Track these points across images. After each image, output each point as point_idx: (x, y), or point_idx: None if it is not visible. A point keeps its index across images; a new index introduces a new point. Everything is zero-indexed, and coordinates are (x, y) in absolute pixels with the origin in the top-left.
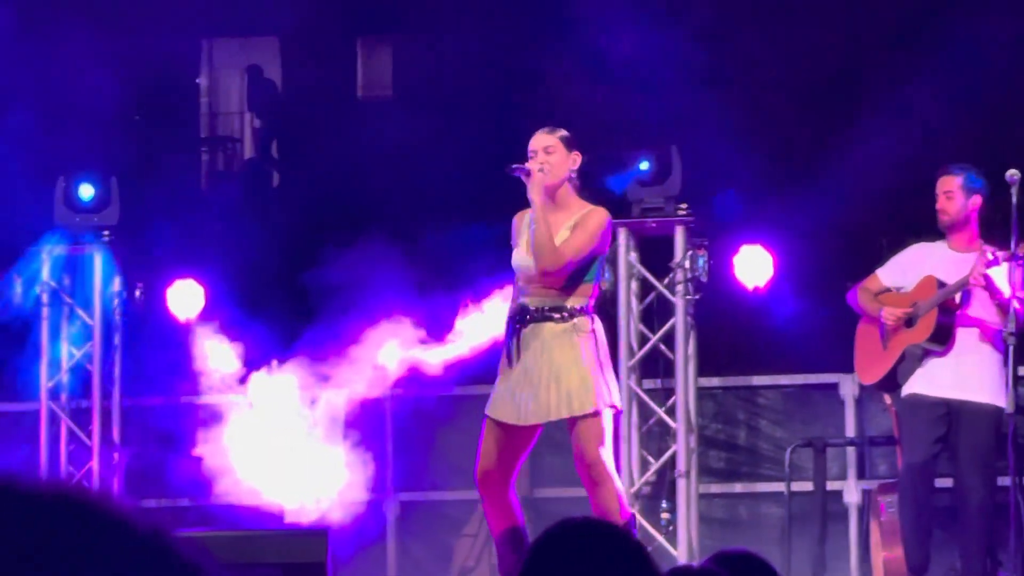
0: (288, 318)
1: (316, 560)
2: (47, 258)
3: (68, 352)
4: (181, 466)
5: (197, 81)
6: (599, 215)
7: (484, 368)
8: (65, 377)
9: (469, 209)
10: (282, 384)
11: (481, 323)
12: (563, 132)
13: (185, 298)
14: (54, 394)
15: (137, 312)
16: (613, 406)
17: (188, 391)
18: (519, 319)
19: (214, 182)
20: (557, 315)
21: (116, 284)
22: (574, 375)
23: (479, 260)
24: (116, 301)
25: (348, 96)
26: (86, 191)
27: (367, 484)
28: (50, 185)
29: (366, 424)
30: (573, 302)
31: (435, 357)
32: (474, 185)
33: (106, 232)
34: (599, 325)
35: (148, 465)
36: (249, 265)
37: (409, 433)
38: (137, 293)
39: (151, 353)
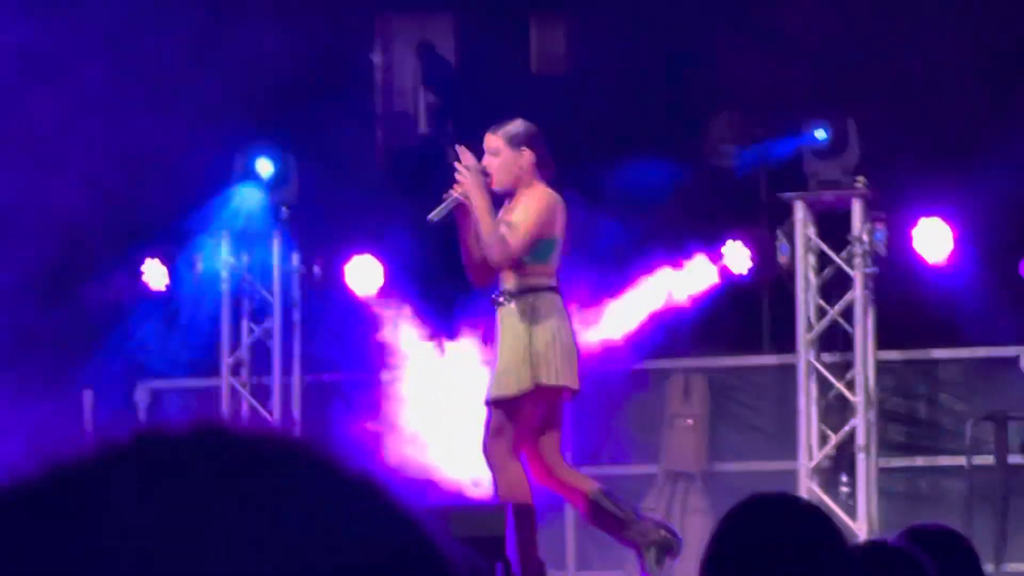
0: (465, 292)
1: (495, 535)
2: (226, 236)
3: (248, 329)
4: (361, 441)
5: (371, 57)
6: (535, 197)
7: (663, 342)
8: (246, 354)
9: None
10: (460, 358)
11: (639, 301)
12: (510, 129)
13: (363, 274)
14: (235, 370)
15: (316, 288)
16: (540, 386)
17: (367, 366)
18: (494, 304)
19: (389, 158)
20: (501, 299)
21: (295, 261)
22: (513, 355)
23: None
24: (295, 278)
25: (522, 72)
26: (265, 168)
27: None
28: (229, 163)
29: None
30: (517, 283)
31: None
32: (645, 162)
33: (285, 209)
34: (545, 304)
35: (327, 441)
36: (426, 240)
37: (587, 407)
38: (316, 269)
39: (330, 329)
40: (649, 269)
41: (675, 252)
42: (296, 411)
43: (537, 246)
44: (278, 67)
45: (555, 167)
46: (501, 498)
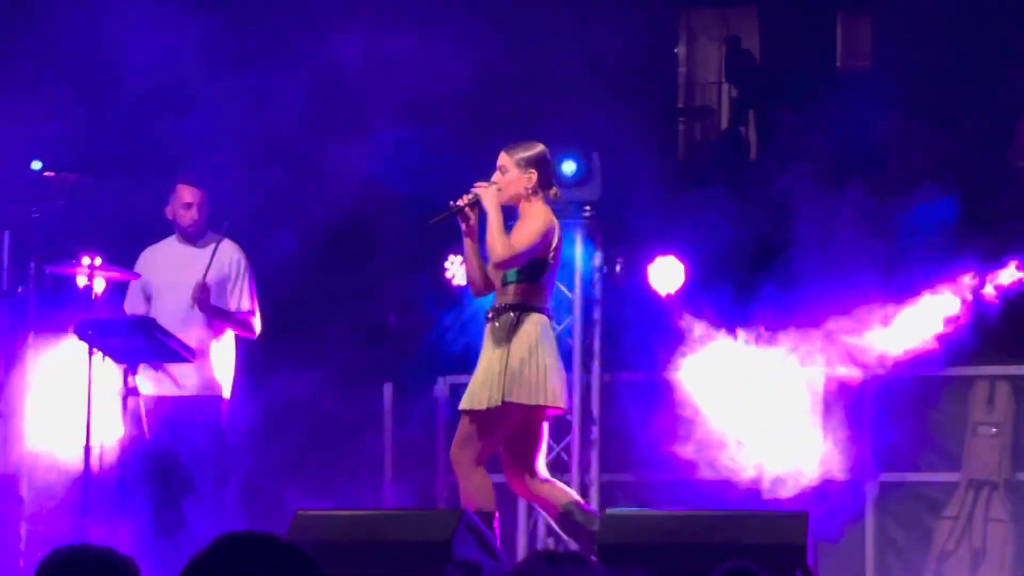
0: (768, 294)
1: (795, 542)
2: None
3: None
4: (658, 441)
5: (675, 51)
6: (532, 220)
7: (968, 349)
8: None
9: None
10: (759, 357)
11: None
12: (523, 152)
13: (666, 273)
14: None
15: (617, 286)
16: (509, 403)
17: (666, 365)
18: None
19: (691, 153)
20: (489, 314)
21: (597, 259)
22: (489, 369)
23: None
24: (596, 276)
25: (826, 67)
26: (568, 167)
27: (846, 464)
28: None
29: (846, 402)
30: (504, 301)
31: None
32: (949, 162)
33: (587, 207)
34: (532, 321)
35: (625, 440)
36: (727, 238)
37: (889, 412)
38: (617, 268)
39: (630, 327)
40: (952, 275)
41: (980, 257)
42: (595, 409)
43: (530, 265)
44: (582, 63)
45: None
46: (463, 504)
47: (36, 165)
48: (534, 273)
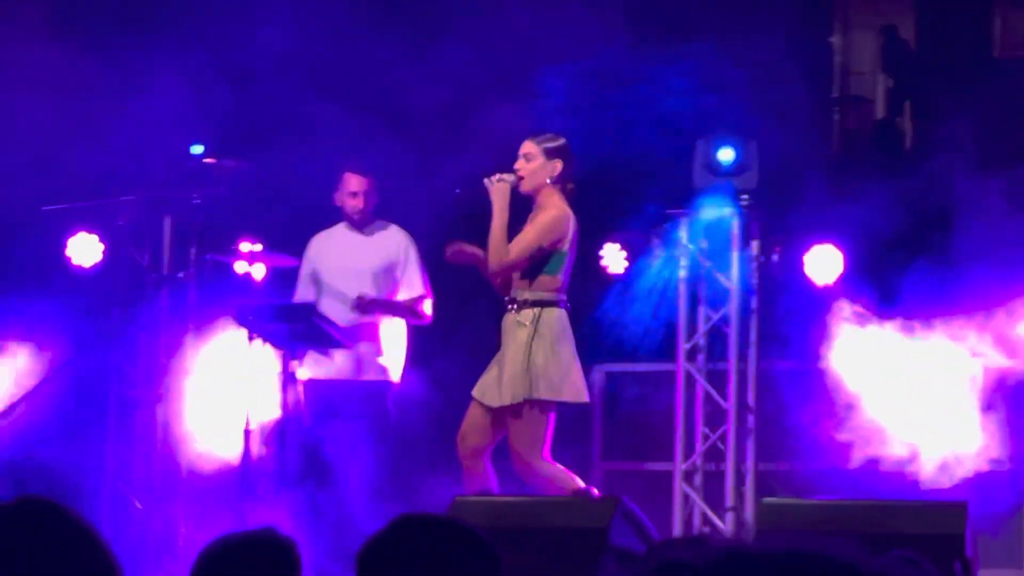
0: (925, 282)
1: (954, 532)
2: (686, 222)
3: (705, 315)
4: (814, 430)
5: (830, 40)
6: (551, 212)
7: None
8: (702, 339)
9: None
10: (917, 348)
11: None
12: (551, 142)
13: (823, 262)
14: (691, 356)
15: (774, 275)
16: (551, 400)
17: (822, 356)
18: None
19: (846, 142)
20: (512, 305)
21: (754, 248)
22: (513, 366)
23: None
24: (754, 265)
25: (983, 55)
26: (726, 155)
27: (1006, 454)
28: (690, 150)
29: (1005, 392)
30: (526, 294)
31: None
32: None
33: (744, 196)
34: (549, 319)
35: (782, 429)
36: (884, 227)
37: None
38: (774, 257)
39: (787, 316)
40: None
41: None
42: (751, 398)
43: (548, 259)
44: (739, 53)
45: (575, 185)
46: (466, 491)
47: (197, 149)
48: (554, 266)
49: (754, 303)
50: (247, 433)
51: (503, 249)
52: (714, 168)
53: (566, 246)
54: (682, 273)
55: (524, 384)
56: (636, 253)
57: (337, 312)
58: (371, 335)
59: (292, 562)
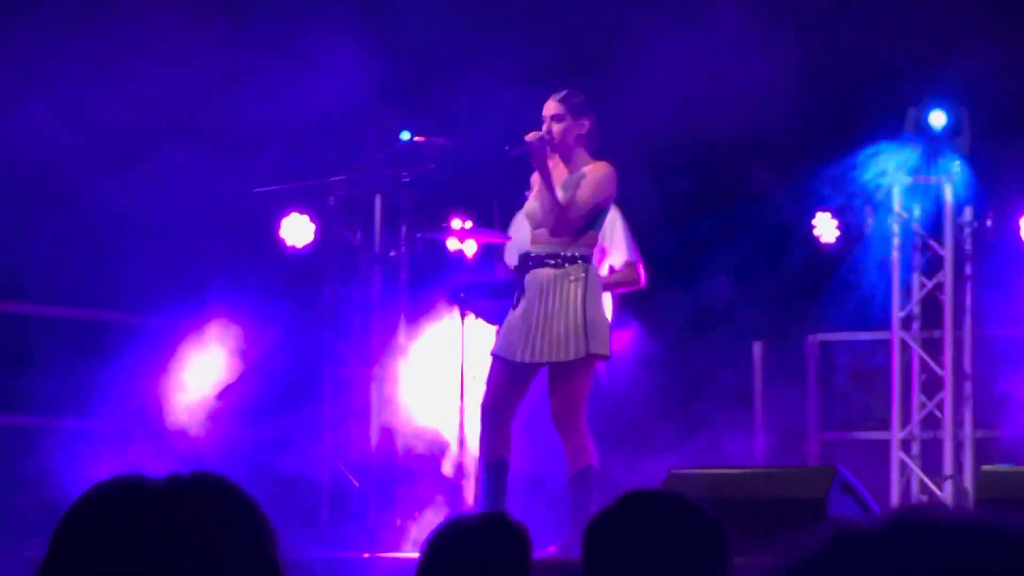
0: None
1: None
2: (898, 190)
3: (919, 282)
4: None
5: None
6: (602, 168)
7: None
8: (916, 307)
9: None
10: None
11: None
12: (573, 98)
13: None
14: (906, 324)
15: (988, 241)
16: (597, 355)
17: None
18: (522, 265)
19: None
20: (552, 262)
21: (967, 213)
22: (564, 322)
23: None
24: (967, 231)
25: None
26: (938, 119)
27: None
28: (901, 116)
29: None
30: (570, 250)
31: None
32: None
33: (956, 162)
34: (593, 273)
35: (999, 396)
36: None
37: None
38: (988, 222)
39: (1002, 282)
40: None
41: None
42: (967, 364)
43: (597, 215)
44: (950, 17)
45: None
46: (481, 452)
47: (404, 136)
48: (599, 222)
49: (968, 269)
50: (462, 410)
51: (559, 207)
52: (927, 133)
53: (610, 202)
54: (895, 241)
55: (580, 340)
56: (848, 222)
57: None
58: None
59: (524, 547)
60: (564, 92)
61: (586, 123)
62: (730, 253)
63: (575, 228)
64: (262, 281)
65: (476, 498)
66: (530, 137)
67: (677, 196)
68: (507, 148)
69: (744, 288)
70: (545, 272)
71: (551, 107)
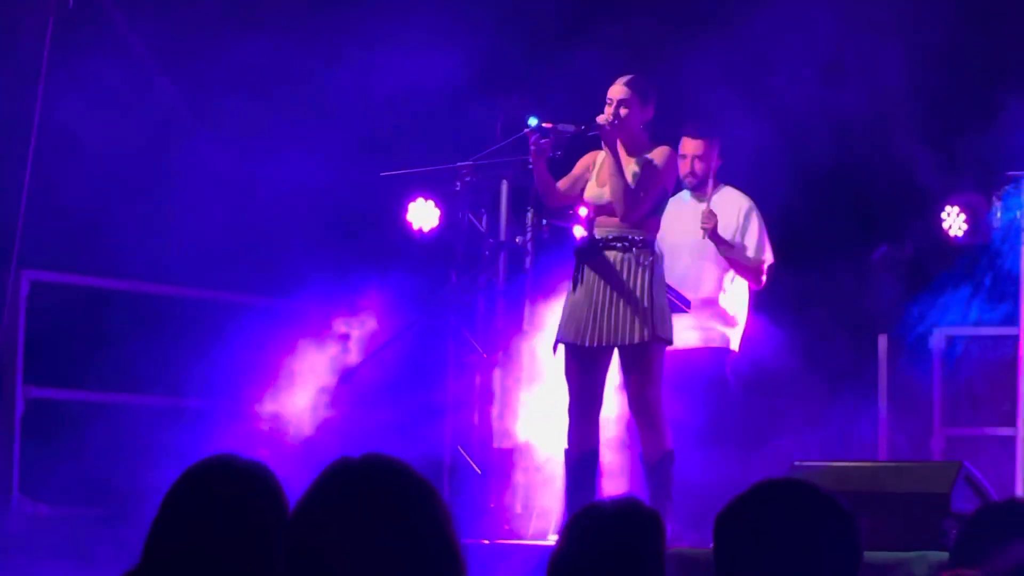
0: None
1: None
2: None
3: None
4: None
5: None
6: (666, 153)
7: None
8: None
9: None
10: None
11: None
12: (640, 83)
13: None
14: None
15: None
16: (663, 340)
17: None
18: (586, 248)
19: None
20: (619, 244)
21: None
22: (631, 305)
23: None
24: None
25: None
26: None
27: None
28: None
29: None
30: (636, 233)
31: None
32: None
33: None
34: (660, 260)
35: None
36: None
37: None
38: None
39: None
40: None
41: None
42: None
43: (661, 201)
44: None
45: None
46: (569, 445)
47: (532, 122)
48: (662, 208)
49: None
50: None
51: (630, 192)
52: None
53: (671, 187)
54: None
55: (648, 323)
56: (976, 216)
57: (679, 277)
58: (711, 302)
59: (658, 532)
60: (631, 76)
61: (651, 109)
62: (858, 246)
63: (643, 213)
64: (389, 266)
65: (563, 491)
66: (602, 119)
67: (813, 182)
68: (583, 127)
69: (871, 281)
70: (613, 255)
71: (618, 90)
